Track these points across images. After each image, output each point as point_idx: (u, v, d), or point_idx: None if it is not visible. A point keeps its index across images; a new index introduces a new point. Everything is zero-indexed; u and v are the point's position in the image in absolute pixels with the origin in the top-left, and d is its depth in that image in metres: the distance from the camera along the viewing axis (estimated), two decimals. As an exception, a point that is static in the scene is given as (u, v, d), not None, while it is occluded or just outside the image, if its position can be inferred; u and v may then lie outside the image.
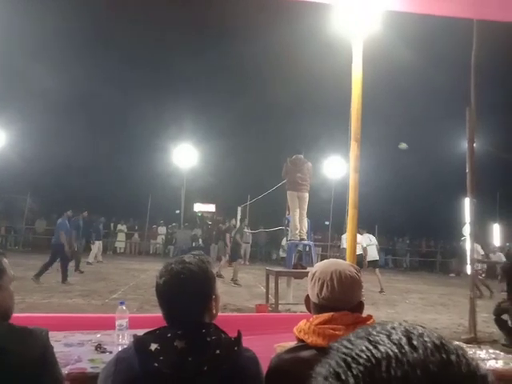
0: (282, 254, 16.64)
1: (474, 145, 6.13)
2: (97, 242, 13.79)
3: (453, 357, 0.40)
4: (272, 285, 6.87)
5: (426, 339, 0.41)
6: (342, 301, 1.37)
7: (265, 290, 7.53)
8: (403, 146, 12.74)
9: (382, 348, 0.40)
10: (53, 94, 18.58)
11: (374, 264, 10.44)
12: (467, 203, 6.42)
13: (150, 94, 22.50)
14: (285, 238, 16.07)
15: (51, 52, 18.78)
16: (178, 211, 20.76)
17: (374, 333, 0.42)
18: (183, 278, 1.28)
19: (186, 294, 1.27)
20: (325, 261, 1.52)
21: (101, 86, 19.73)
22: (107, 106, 21.69)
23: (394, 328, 0.43)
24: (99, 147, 21.08)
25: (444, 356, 0.39)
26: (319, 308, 1.39)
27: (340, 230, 10.19)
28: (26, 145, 18.81)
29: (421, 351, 0.39)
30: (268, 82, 19.99)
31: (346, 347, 0.42)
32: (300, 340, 1.34)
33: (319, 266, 1.45)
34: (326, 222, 19.30)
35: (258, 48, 18.53)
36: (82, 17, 18.60)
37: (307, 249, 7.86)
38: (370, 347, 0.40)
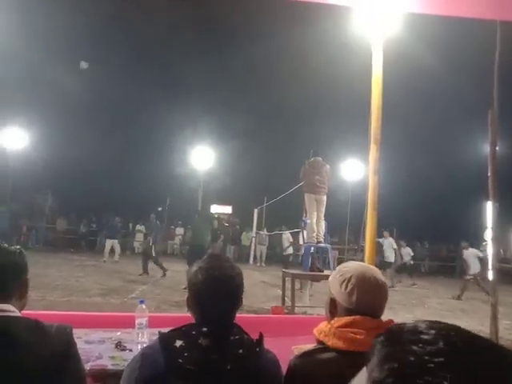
0: (288, 251, 16.15)
1: (497, 148, 6.01)
2: (109, 241, 13.88)
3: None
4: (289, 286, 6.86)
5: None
6: (378, 306, 1.34)
7: (281, 293, 7.52)
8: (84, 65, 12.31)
9: None
10: (73, 97, 18.93)
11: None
12: (489, 207, 6.27)
13: (168, 97, 22.76)
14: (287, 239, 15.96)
15: (71, 55, 19.16)
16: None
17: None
18: (221, 280, 1.30)
19: (221, 296, 1.29)
20: (353, 264, 1.42)
21: (122, 88, 20.02)
22: (127, 108, 22.03)
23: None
24: (119, 149, 21.39)
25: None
26: (349, 312, 1.32)
27: (357, 231, 10.06)
28: (46, 145, 19.21)
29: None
30: (285, 84, 19.93)
31: None
32: (320, 342, 1.32)
33: (352, 270, 1.35)
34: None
35: (275, 49, 18.55)
36: (97, 19, 18.87)
37: (324, 252, 7.82)
38: None
